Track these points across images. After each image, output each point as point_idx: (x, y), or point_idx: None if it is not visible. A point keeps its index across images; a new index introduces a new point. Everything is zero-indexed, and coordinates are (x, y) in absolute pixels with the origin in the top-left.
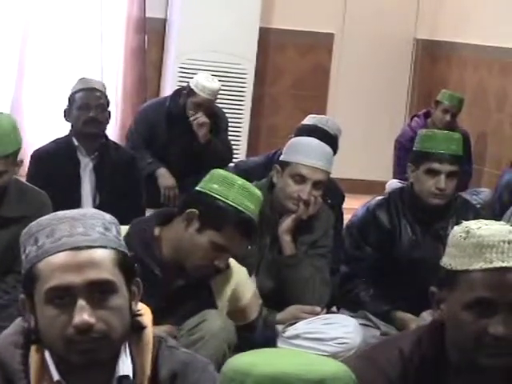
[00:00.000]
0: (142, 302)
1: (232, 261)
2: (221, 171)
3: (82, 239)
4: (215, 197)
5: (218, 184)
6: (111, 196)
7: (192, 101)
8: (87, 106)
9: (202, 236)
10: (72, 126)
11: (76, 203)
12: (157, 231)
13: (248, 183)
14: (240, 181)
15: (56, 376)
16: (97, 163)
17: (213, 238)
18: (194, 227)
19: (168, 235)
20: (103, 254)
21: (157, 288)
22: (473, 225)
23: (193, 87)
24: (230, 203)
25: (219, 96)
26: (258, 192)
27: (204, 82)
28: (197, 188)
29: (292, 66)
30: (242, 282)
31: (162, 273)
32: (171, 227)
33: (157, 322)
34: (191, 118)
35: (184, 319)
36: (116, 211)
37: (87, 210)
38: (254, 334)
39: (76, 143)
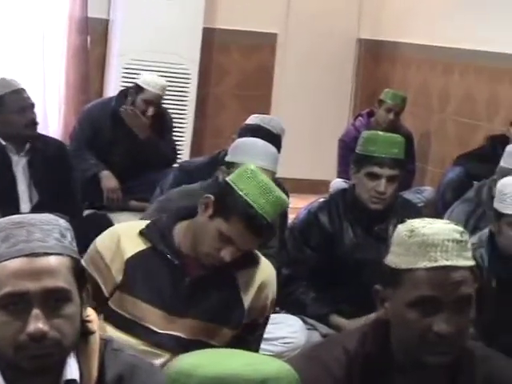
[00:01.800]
0: (162, 292)
1: (261, 257)
2: (251, 165)
3: (38, 245)
4: (231, 186)
5: (241, 175)
6: (48, 192)
7: (142, 98)
8: (23, 108)
9: (212, 223)
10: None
11: (14, 203)
12: (181, 224)
13: (272, 184)
14: (263, 178)
15: (1, 381)
16: (29, 159)
17: (220, 227)
18: (208, 213)
19: (188, 224)
20: (59, 262)
21: (176, 277)
22: (417, 223)
23: (141, 84)
24: (242, 195)
25: (163, 96)
26: (280, 195)
27: (153, 78)
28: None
29: (236, 66)
30: (269, 279)
31: (179, 261)
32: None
33: (179, 313)
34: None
35: (208, 311)
36: (56, 208)
37: (43, 215)
38: (252, 336)
39: (3, 142)
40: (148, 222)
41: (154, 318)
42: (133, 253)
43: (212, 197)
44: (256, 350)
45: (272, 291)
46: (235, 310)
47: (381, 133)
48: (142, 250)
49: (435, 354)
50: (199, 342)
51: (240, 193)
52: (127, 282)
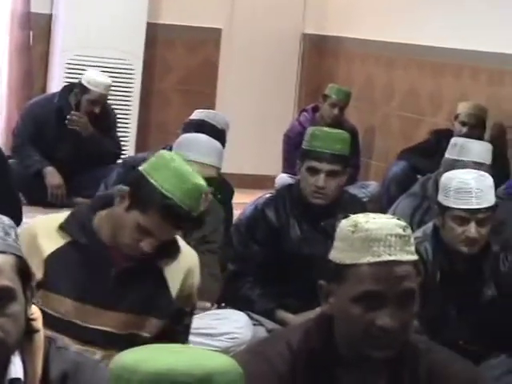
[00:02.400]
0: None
1: (184, 244)
2: (165, 151)
3: None
4: (146, 177)
5: (154, 165)
6: None
7: (87, 98)
8: None
9: (129, 215)
10: None
11: None
12: (100, 213)
13: (188, 169)
14: (178, 164)
15: None
16: None
17: (137, 219)
18: (124, 205)
19: (107, 214)
20: (3, 260)
21: (101, 270)
22: (360, 218)
23: (85, 84)
24: (157, 186)
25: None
26: (197, 181)
27: (97, 78)
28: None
29: (180, 62)
30: (193, 266)
31: (103, 253)
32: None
33: (107, 306)
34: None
35: (136, 303)
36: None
37: None
38: (180, 325)
39: None
40: (67, 214)
41: (81, 313)
42: (52, 250)
43: (127, 189)
44: (185, 339)
45: (197, 278)
46: (163, 300)
47: (325, 128)
48: (62, 246)
49: (379, 348)
50: (130, 335)
51: (155, 184)
52: (49, 279)
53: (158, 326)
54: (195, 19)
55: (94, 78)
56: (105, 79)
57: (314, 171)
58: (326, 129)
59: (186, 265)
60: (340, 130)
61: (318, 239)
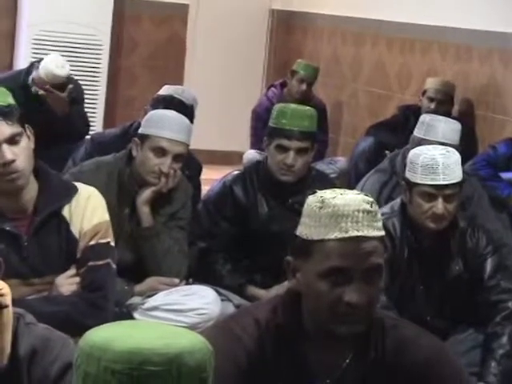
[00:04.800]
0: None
1: (81, 185)
2: None
3: None
4: None
5: None
6: None
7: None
8: None
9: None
10: None
11: None
12: None
13: None
14: None
15: None
16: None
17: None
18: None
19: None
20: None
21: (13, 242)
22: (327, 194)
23: (42, 75)
24: None
25: (75, 68)
26: None
27: (52, 70)
28: None
29: (147, 37)
30: (91, 205)
31: (9, 226)
32: None
33: (33, 274)
34: (40, 92)
35: (55, 260)
36: None
37: None
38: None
39: None
40: None
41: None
42: None
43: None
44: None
45: (95, 214)
46: (73, 246)
47: (292, 105)
48: None
49: (346, 324)
50: None
51: None
52: None
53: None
54: None
55: (50, 69)
56: (60, 71)
57: (283, 149)
58: (293, 106)
59: (83, 204)
60: (307, 107)
61: (286, 216)
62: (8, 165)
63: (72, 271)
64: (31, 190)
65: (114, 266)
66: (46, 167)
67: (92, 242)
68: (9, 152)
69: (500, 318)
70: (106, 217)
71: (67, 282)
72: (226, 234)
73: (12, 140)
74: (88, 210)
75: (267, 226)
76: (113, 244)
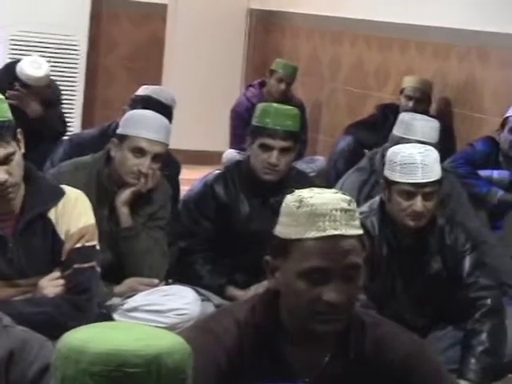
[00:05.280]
0: None
1: (68, 188)
2: None
3: None
4: None
5: None
6: None
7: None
8: None
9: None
10: None
11: None
12: None
13: None
14: None
15: None
16: None
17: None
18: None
19: None
20: None
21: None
22: (305, 194)
23: (18, 75)
24: None
25: (52, 68)
26: None
27: (29, 71)
28: None
29: (126, 37)
30: (78, 208)
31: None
32: None
33: (19, 275)
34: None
35: (41, 262)
36: None
37: None
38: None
39: None
40: None
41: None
42: None
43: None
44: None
45: (81, 218)
46: (59, 248)
47: (276, 105)
48: None
49: (325, 323)
50: None
51: None
52: None
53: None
54: None
55: (25, 70)
56: (37, 72)
57: (266, 148)
58: (277, 105)
59: (70, 207)
60: (290, 107)
61: (267, 215)
62: (1, 184)
63: (56, 273)
64: (19, 192)
65: (98, 269)
66: (35, 170)
67: (78, 245)
68: (2, 173)
69: (479, 314)
70: (92, 220)
71: (51, 284)
72: (207, 234)
73: (6, 160)
74: (75, 213)
75: (248, 226)
76: (98, 248)
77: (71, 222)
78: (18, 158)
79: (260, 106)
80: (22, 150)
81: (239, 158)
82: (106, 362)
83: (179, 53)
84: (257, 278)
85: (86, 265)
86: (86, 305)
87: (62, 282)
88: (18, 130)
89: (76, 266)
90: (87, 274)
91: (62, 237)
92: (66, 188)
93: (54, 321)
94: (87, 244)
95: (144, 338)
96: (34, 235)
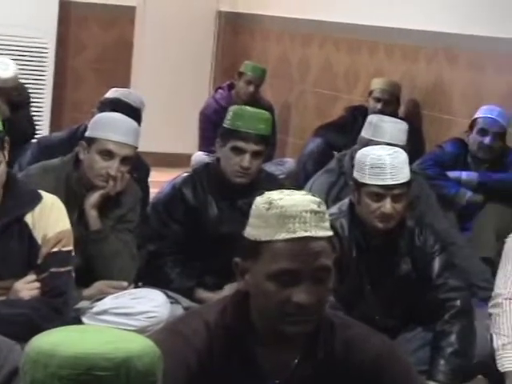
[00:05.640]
0: None
1: (45, 193)
2: None
3: None
4: None
5: None
6: None
7: None
8: None
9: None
10: None
11: None
12: None
13: None
14: None
15: None
16: None
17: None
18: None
19: None
20: None
21: None
22: (275, 195)
23: None
24: None
25: (20, 71)
26: None
27: None
28: None
29: (94, 40)
30: (55, 214)
31: None
32: None
33: None
34: None
35: (8, 259)
36: None
37: None
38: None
39: None
40: None
41: None
42: None
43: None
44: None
45: (57, 224)
46: (35, 252)
47: (249, 108)
48: None
49: (294, 324)
50: None
51: None
52: None
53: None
54: None
55: None
56: (4, 73)
57: (239, 151)
58: (250, 109)
59: (47, 211)
60: (262, 110)
61: (236, 218)
62: None
63: (31, 277)
64: None
65: (73, 273)
66: (13, 174)
67: (55, 249)
68: None
69: (448, 316)
70: (69, 225)
71: (26, 287)
72: (176, 236)
73: None
74: (52, 218)
75: (217, 228)
76: (73, 253)
77: (48, 227)
78: (3, 168)
79: (232, 109)
80: (6, 159)
81: (208, 161)
82: (75, 366)
83: (148, 55)
84: (227, 280)
85: (62, 269)
86: (62, 308)
87: (37, 285)
88: (6, 138)
89: (53, 269)
90: (64, 278)
91: (39, 241)
92: (42, 193)
93: (32, 323)
94: (64, 249)
95: (113, 341)
96: (11, 238)
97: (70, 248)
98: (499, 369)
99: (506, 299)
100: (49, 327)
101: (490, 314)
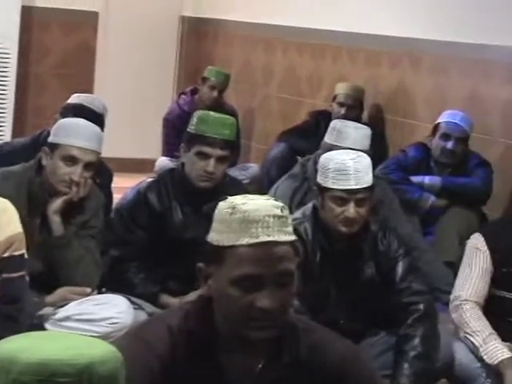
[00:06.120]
0: None
1: None
2: None
3: None
4: None
5: None
6: None
7: None
8: None
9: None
10: None
11: None
12: None
13: None
14: None
15: None
16: None
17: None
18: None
19: None
20: None
21: None
22: (238, 200)
23: None
24: None
25: None
26: None
27: None
28: None
29: (57, 45)
30: (5, 217)
31: None
32: None
33: None
34: None
35: None
36: None
37: None
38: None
39: None
40: None
41: None
42: None
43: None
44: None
45: (10, 226)
46: None
47: (214, 113)
48: None
49: (259, 329)
50: None
51: None
52: None
53: None
54: (71, 2)
55: None
56: None
57: (204, 156)
58: (215, 114)
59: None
60: (227, 115)
61: (201, 223)
62: None
63: None
64: None
65: (27, 278)
66: None
67: (6, 254)
68: None
69: (412, 319)
70: (20, 229)
71: None
72: (140, 242)
73: None
74: (2, 222)
75: (182, 234)
76: (26, 256)
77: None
78: None
79: (197, 114)
80: None
81: (172, 166)
82: (37, 372)
83: (111, 60)
84: (191, 285)
85: (15, 274)
86: (18, 315)
87: None
88: None
89: (5, 275)
90: (17, 284)
91: None
92: None
93: None
94: (15, 253)
95: (76, 347)
96: None
97: (22, 252)
98: (489, 363)
99: (463, 301)
100: (4, 335)
101: (452, 319)
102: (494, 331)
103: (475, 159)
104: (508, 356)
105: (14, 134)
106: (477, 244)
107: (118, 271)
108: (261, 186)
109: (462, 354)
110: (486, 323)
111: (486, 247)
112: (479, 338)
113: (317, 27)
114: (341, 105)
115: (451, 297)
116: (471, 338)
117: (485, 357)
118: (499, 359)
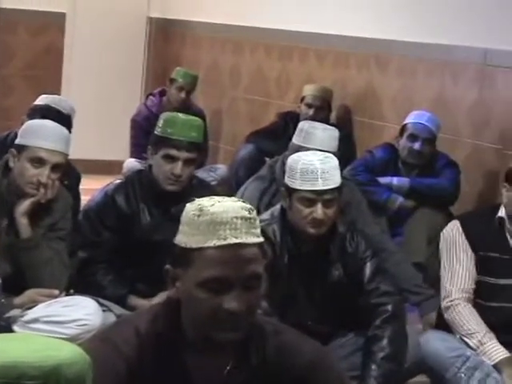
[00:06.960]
0: None
1: None
2: None
3: None
4: None
5: None
6: None
7: None
8: None
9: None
10: None
11: None
12: None
13: None
14: None
15: None
16: None
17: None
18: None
19: None
20: None
21: None
22: (205, 202)
23: None
24: None
25: None
26: None
27: None
28: None
29: (23, 47)
30: None
31: None
32: None
33: None
34: None
35: None
36: None
37: None
38: None
39: None
40: None
41: None
42: None
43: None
44: None
45: None
46: None
47: (181, 115)
48: None
49: (226, 331)
50: None
51: None
52: None
53: None
54: (38, 3)
55: None
56: None
57: (171, 158)
58: (182, 116)
59: None
60: (194, 117)
61: (169, 225)
62: None
63: None
64: None
65: None
66: None
67: None
68: None
69: (380, 321)
70: None
71: None
72: (108, 244)
73: None
74: None
75: (150, 236)
76: None
77: None
78: None
79: (163, 116)
80: None
81: (140, 168)
82: (4, 375)
83: (78, 62)
84: (159, 287)
85: None
86: None
87: None
88: None
89: None
90: None
91: None
92: None
93: None
94: None
95: (43, 349)
96: None
97: None
98: (489, 363)
99: (453, 300)
100: None
101: (446, 319)
102: (488, 329)
103: (443, 160)
104: (507, 355)
105: None
106: (452, 229)
107: (86, 273)
108: (229, 187)
109: (435, 344)
110: (480, 321)
111: (461, 230)
112: (475, 339)
113: (285, 28)
114: (309, 106)
115: (441, 294)
116: (467, 340)
117: (483, 357)
118: (499, 359)
